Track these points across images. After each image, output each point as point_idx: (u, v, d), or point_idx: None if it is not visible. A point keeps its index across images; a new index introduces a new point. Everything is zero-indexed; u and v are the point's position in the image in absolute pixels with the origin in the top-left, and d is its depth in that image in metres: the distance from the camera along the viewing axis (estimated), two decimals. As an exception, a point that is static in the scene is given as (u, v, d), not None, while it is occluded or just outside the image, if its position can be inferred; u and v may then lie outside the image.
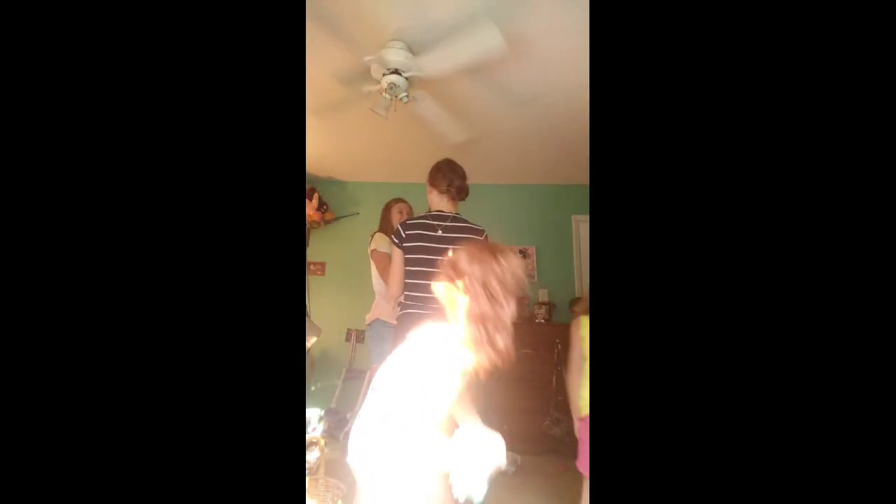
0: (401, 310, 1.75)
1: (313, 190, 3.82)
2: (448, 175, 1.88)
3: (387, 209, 2.52)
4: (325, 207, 3.88)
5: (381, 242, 2.38)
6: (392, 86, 2.11)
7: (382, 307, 2.29)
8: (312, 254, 3.88)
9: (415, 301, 1.69)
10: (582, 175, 3.82)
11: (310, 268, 3.90)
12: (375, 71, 2.15)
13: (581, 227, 4.08)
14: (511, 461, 2.69)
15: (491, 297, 0.93)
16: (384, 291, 2.28)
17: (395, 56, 2.07)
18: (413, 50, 2.10)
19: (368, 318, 2.37)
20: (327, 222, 3.92)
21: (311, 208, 3.76)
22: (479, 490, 0.85)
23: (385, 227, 2.48)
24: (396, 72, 2.10)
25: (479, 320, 0.92)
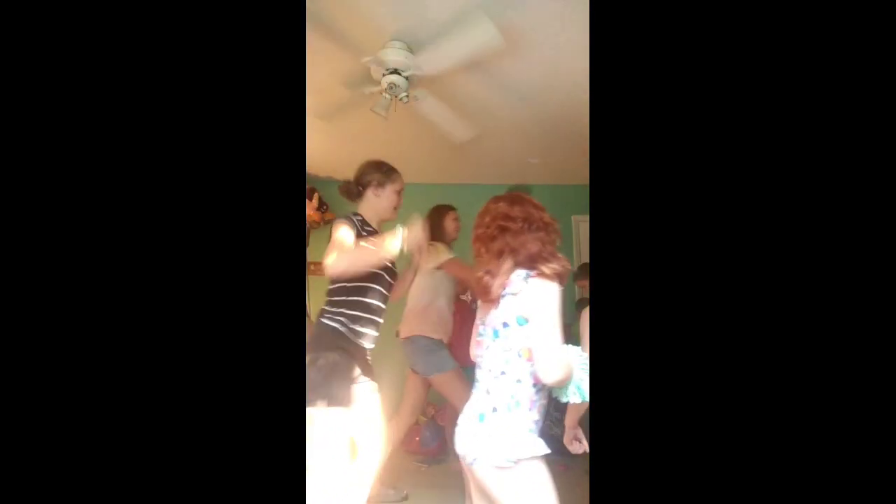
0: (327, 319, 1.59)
1: (313, 190, 3.81)
2: None
3: (439, 216, 2.39)
4: (325, 207, 3.88)
5: (443, 251, 2.27)
6: (392, 86, 2.11)
7: (422, 322, 2.25)
8: (312, 254, 3.88)
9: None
10: (582, 175, 3.82)
11: (310, 268, 3.90)
12: (375, 71, 2.15)
13: (581, 227, 4.08)
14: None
15: (541, 225, 1.21)
16: (419, 306, 2.25)
17: (395, 56, 2.07)
18: (412, 49, 2.10)
19: (404, 332, 2.31)
20: (327, 222, 3.91)
21: (311, 208, 3.75)
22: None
23: (439, 234, 2.33)
24: (396, 72, 2.10)
25: (542, 242, 1.19)
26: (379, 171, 1.74)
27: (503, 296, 1.15)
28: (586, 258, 3.99)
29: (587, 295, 3.83)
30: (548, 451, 1.11)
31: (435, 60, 2.03)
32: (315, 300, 3.68)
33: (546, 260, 1.16)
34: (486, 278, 1.17)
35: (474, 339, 1.27)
